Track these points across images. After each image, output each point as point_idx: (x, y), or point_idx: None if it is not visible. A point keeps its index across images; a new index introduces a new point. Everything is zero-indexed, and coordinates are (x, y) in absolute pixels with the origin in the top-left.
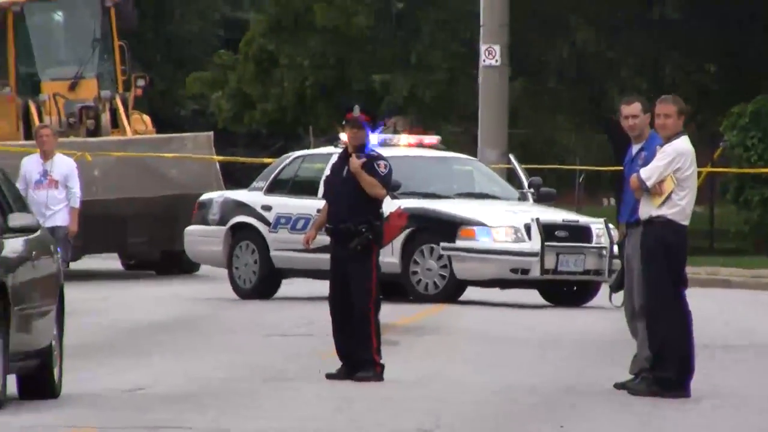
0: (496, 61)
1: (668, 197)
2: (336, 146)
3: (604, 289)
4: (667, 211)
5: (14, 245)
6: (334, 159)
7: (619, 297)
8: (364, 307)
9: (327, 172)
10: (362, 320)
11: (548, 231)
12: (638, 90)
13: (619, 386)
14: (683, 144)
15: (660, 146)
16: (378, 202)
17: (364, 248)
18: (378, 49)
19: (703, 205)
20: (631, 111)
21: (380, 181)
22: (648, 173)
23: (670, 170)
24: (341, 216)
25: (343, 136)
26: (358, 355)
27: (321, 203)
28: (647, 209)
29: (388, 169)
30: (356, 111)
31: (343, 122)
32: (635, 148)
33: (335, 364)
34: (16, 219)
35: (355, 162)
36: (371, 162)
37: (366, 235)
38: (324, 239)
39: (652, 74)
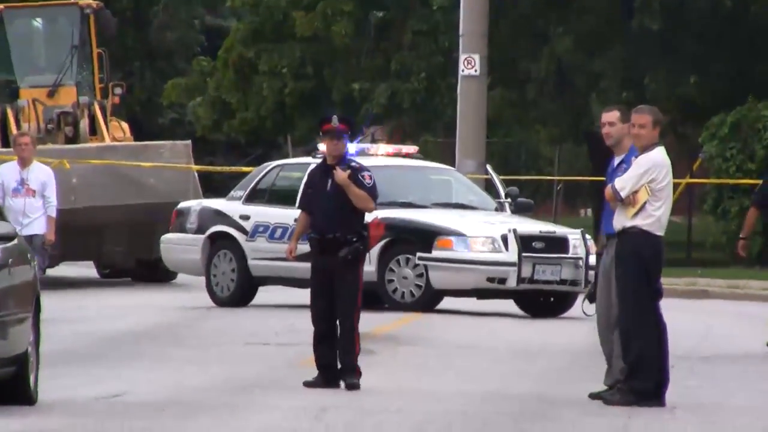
0: (475, 71)
1: (642, 208)
2: (314, 156)
3: (581, 299)
4: (641, 222)
5: None
6: (311, 169)
7: (591, 307)
8: (349, 317)
9: (305, 181)
10: (347, 329)
11: (525, 242)
12: (621, 102)
13: (594, 396)
14: (658, 155)
15: (635, 157)
16: (363, 213)
17: (354, 258)
18: (358, 59)
19: (681, 216)
20: (609, 118)
21: (368, 193)
22: (622, 183)
23: (644, 181)
24: (329, 227)
25: (322, 146)
26: (344, 362)
27: (298, 213)
28: (621, 220)
29: (373, 180)
30: (335, 121)
31: (321, 133)
32: (617, 160)
33: (312, 372)
34: None
35: (342, 174)
36: (355, 174)
37: (357, 245)
38: (301, 248)
39: (635, 86)
